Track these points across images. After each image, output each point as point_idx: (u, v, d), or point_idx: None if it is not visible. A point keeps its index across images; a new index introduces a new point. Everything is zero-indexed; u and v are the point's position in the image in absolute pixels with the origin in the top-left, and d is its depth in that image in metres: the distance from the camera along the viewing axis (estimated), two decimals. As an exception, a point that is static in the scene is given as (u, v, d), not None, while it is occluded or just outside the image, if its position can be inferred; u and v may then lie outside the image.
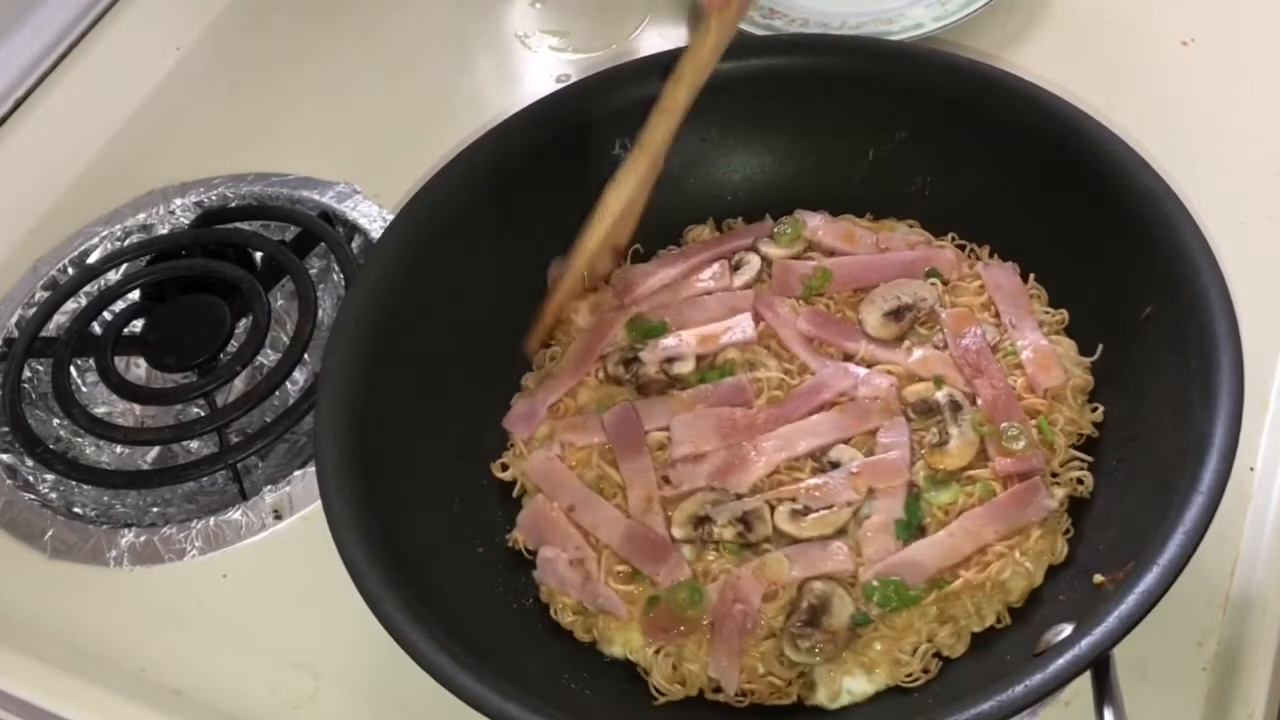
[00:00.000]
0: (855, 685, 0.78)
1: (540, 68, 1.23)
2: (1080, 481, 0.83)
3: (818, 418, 0.87)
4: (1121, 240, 0.84)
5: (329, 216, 1.12)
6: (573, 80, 1.17)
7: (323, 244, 1.10)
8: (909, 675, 0.78)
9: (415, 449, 0.88)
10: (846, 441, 0.86)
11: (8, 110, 1.23)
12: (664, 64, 0.99)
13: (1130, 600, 0.67)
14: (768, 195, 1.01)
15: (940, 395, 0.86)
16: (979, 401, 0.86)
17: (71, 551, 0.95)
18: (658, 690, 0.81)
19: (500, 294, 0.97)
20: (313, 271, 1.10)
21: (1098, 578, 0.74)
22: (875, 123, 0.98)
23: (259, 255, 1.12)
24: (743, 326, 0.92)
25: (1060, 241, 0.90)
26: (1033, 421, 0.85)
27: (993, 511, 0.81)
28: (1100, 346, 0.88)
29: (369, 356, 0.87)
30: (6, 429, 1.02)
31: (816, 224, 0.97)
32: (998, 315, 0.91)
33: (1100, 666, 0.68)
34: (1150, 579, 0.68)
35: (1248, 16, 1.13)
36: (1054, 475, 0.84)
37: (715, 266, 0.97)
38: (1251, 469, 0.87)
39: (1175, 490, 0.71)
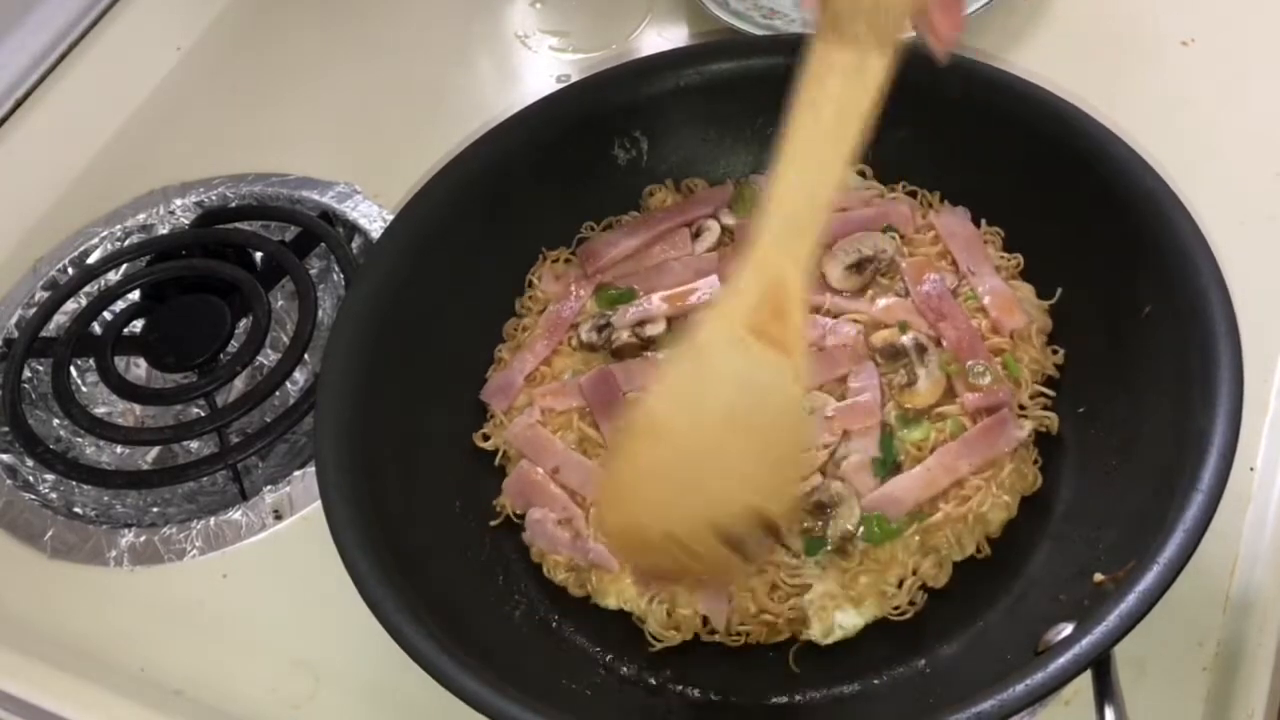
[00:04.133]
0: (846, 619, 0.81)
1: (540, 68, 1.23)
2: (1046, 419, 0.86)
3: None
4: (1121, 240, 0.84)
5: (329, 216, 1.13)
6: (573, 80, 1.17)
7: (323, 244, 1.10)
8: (896, 608, 0.81)
9: (415, 449, 0.88)
10: (819, 388, 0.88)
11: (8, 110, 1.23)
12: (663, 64, 1.00)
13: (1131, 599, 0.67)
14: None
15: (906, 339, 0.89)
16: (944, 343, 0.89)
17: (71, 551, 0.95)
18: (654, 637, 0.82)
19: (500, 293, 0.97)
20: (313, 271, 1.10)
21: (1098, 577, 0.74)
22: (875, 122, 0.97)
23: (259, 255, 1.12)
24: (711, 287, 0.94)
25: (1060, 240, 0.90)
26: (997, 359, 0.88)
27: (965, 444, 0.84)
28: (1059, 290, 0.90)
29: (369, 356, 0.87)
30: (6, 429, 1.02)
31: None
32: (955, 264, 0.93)
33: (1101, 665, 0.68)
34: (1150, 578, 0.68)
35: (1248, 16, 1.13)
36: (1021, 409, 0.86)
37: (676, 234, 0.98)
38: (1251, 469, 0.87)
39: (1175, 489, 0.71)
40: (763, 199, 0.69)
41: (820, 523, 0.82)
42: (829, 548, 0.82)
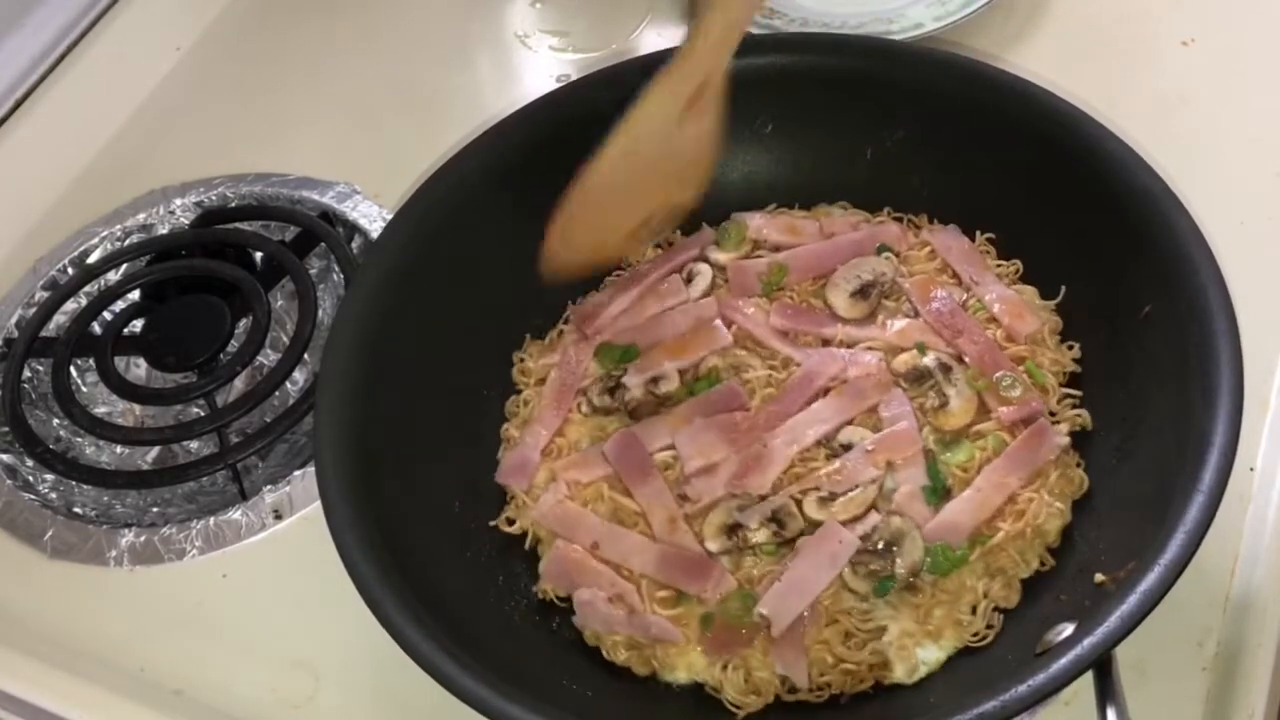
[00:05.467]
0: (928, 655, 0.79)
1: (540, 68, 1.23)
2: (1079, 417, 0.86)
3: (817, 405, 0.87)
4: (1120, 239, 0.84)
5: (329, 216, 1.12)
6: (572, 80, 1.17)
7: (323, 244, 1.10)
8: (975, 634, 0.79)
9: (415, 450, 0.88)
10: (851, 422, 0.87)
11: (8, 110, 1.23)
12: (661, 63, 0.99)
13: (1132, 600, 0.68)
14: (766, 195, 1.01)
15: (928, 360, 0.88)
16: (966, 359, 0.88)
17: (71, 551, 0.95)
18: (734, 705, 0.79)
19: (499, 292, 0.97)
20: (313, 271, 1.10)
21: (1099, 577, 0.74)
22: (874, 122, 0.98)
23: (259, 255, 1.12)
24: (717, 333, 0.92)
25: (1059, 240, 0.90)
26: (1020, 368, 0.87)
27: (1011, 460, 0.83)
28: (1063, 288, 0.90)
29: (369, 356, 0.87)
30: (6, 429, 1.02)
31: (758, 223, 0.98)
32: (956, 276, 0.93)
33: (1102, 666, 0.68)
34: (1152, 578, 0.68)
35: (1248, 16, 1.13)
36: (1052, 414, 0.86)
37: (668, 282, 0.96)
38: (1251, 469, 0.87)
39: (1176, 489, 0.71)
40: (704, 11, 0.84)
41: (886, 561, 0.80)
42: (897, 585, 0.80)
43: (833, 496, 0.83)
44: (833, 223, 0.97)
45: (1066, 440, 0.84)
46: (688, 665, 0.81)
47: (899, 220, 0.97)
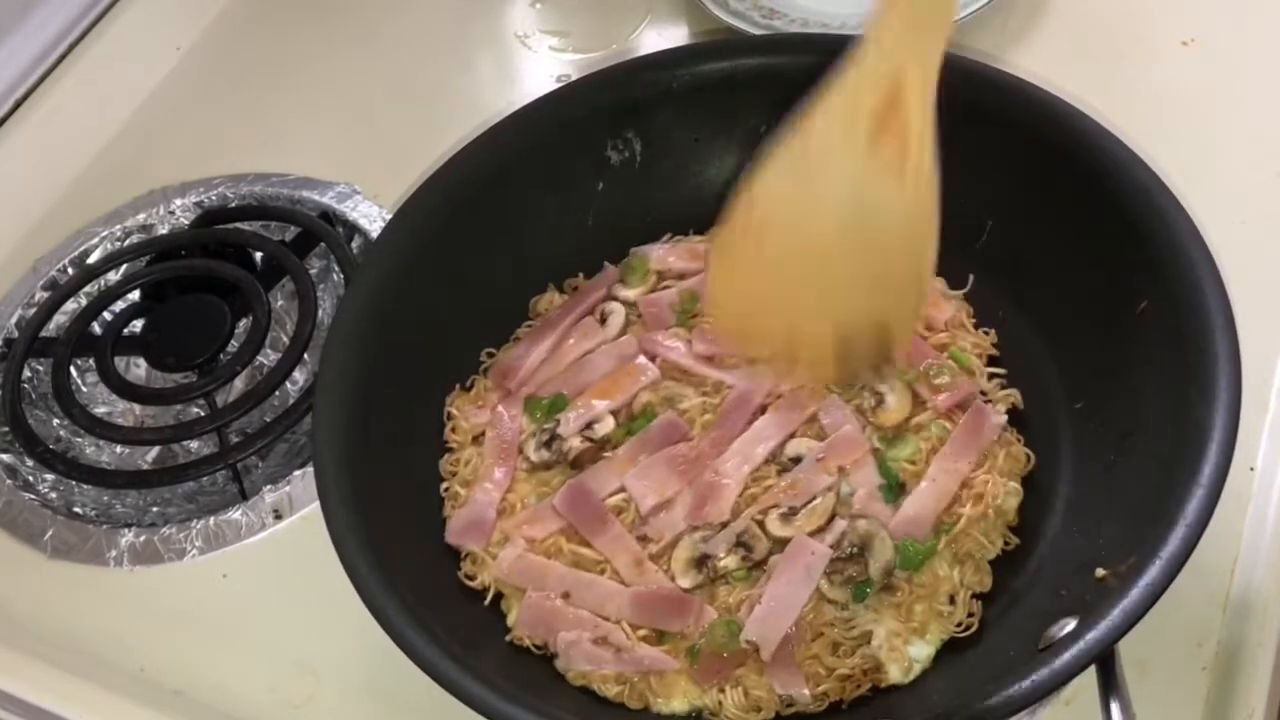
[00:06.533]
0: (918, 652, 0.79)
1: (540, 68, 1.23)
2: (1010, 396, 0.88)
3: (759, 423, 0.87)
4: (1116, 236, 0.84)
5: (329, 216, 1.13)
6: (572, 80, 1.17)
7: (323, 244, 1.10)
8: (959, 625, 0.80)
9: (414, 450, 0.88)
10: (794, 435, 0.86)
11: (8, 110, 1.23)
12: (656, 64, 0.99)
13: (1134, 594, 0.68)
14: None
15: None
16: None
17: (71, 551, 0.95)
18: None
19: (498, 293, 0.97)
20: (313, 271, 1.10)
21: (1100, 572, 0.74)
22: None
23: (259, 255, 1.12)
24: (643, 369, 0.91)
25: (1056, 238, 0.90)
26: (944, 355, 0.89)
27: (956, 445, 0.85)
28: (970, 277, 0.93)
29: (368, 357, 0.87)
30: (6, 429, 1.02)
31: (660, 253, 0.97)
32: None
33: (1105, 661, 0.68)
34: (1153, 572, 0.68)
35: (1249, 17, 1.13)
36: (984, 394, 0.88)
37: (582, 326, 0.95)
38: (1251, 469, 0.87)
39: (1175, 484, 0.71)
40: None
41: (859, 566, 0.79)
42: (874, 588, 0.79)
43: (794, 511, 0.82)
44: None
45: (1004, 418, 0.86)
46: (683, 692, 0.79)
47: None
